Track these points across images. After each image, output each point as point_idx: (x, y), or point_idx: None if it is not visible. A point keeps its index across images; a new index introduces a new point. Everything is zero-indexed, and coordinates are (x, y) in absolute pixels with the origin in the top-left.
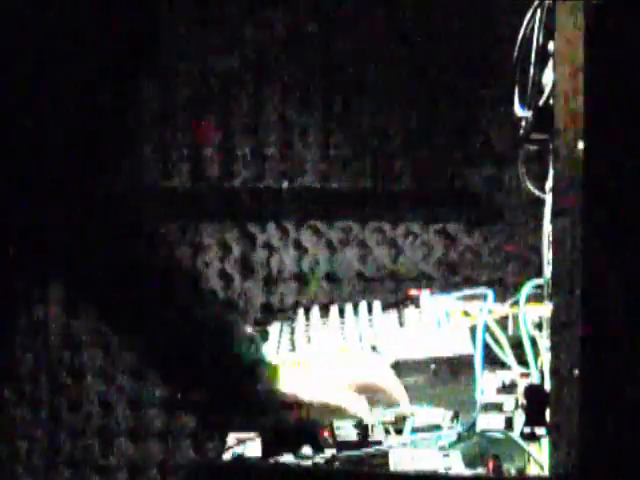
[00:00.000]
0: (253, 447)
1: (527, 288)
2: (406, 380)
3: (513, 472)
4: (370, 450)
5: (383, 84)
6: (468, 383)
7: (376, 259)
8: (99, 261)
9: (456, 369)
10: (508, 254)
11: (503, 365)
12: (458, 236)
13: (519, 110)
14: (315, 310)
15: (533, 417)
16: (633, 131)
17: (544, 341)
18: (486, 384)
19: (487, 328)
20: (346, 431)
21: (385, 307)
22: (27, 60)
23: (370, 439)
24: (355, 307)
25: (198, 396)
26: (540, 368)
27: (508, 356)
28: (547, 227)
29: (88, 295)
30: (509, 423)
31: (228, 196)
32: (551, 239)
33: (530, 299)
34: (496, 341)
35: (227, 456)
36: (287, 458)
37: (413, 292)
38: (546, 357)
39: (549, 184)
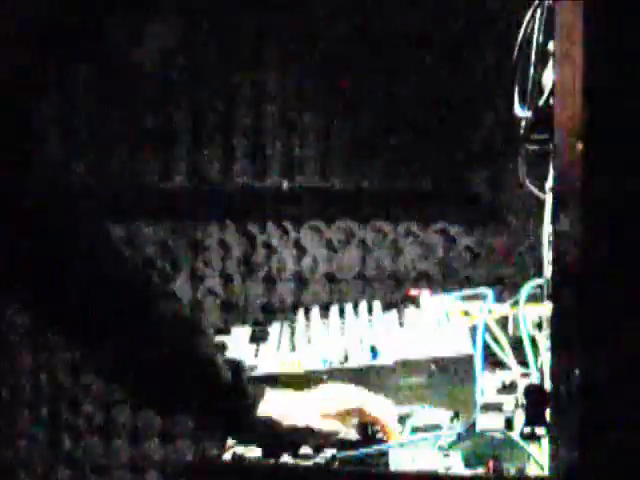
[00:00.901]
0: (253, 447)
1: (527, 288)
2: (406, 380)
3: (513, 472)
4: (370, 450)
5: (383, 84)
6: (468, 383)
7: (376, 259)
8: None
9: (456, 369)
10: (503, 257)
11: (503, 365)
12: (458, 236)
13: (519, 110)
14: (315, 310)
15: (533, 417)
16: (633, 131)
17: (544, 341)
18: (486, 384)
19: (487, 328)
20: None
21: (385, 307)
22: None
23: (370, 439)
24: (355, 307)
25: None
26: (540, 368)
27: (508, 356)
28: (547, 227)
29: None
30: (509, 423)
31: (228, 196)
32: (551, 239)
33: (530, 299)
34: (496, 341)
35: (227, 456)
36: (287, 458)
37: (413, 292)
38: (546, 357)
39: (549, 184)
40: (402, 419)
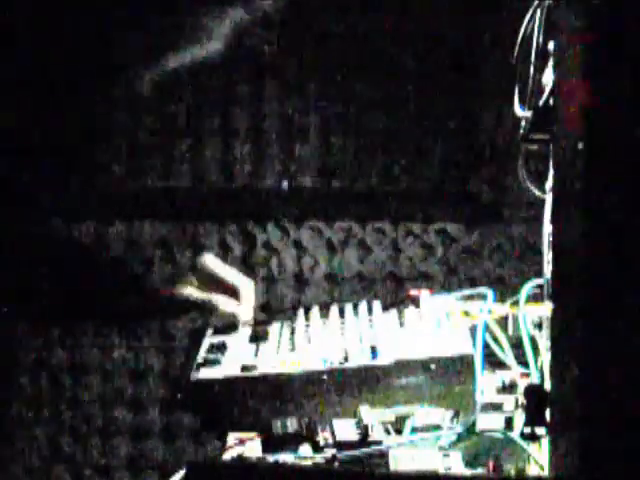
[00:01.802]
0: (253, 447)
1: (527, 288)
2: (406, 380)
3: (513, 472)
4: (370, 450)
5: (383, 84)
6: (468, 383)
7: (376, 259)
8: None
9: (456, 369)
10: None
11: (503, 365)
12: (458, 236)
13: (519, 110)
14: (315, 310)
15: (533, 417)
16: (633, 131)
17: (544, 341)
18: (486, 384)
19: (487, 328)
20: (346, 431)
21: (385, 307)
22: None
23: (370, 439)
24: (355, 307)
25: None
26: (540, 368)
27: (508, 356)
28: (547, 227)
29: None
30: (509, 423)
31: (228, 196)
32: (551, 239)
33: (530, 299)
34: (496, 341)
35: (227, 456)
36: (287, 458)
37: (413, 292)
38: (546, 357)
39: (549, 184)
40: (402, 419)
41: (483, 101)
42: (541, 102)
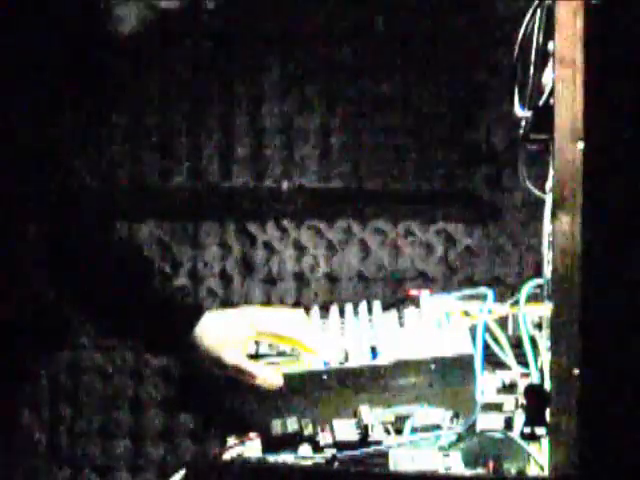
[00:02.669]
0: (253, 447)
1: (527, 288)
2: (406, 380)
3: (513, 472)
4: (370, 450)
5: (383, 84)
6: (468, 383)
7: (376, 259)
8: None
9: (456, 369)
10: None
11: (503, 365)
12: (458, 236)
13: (519, 110)
14: (315, 310)
15: (533, 417)
16: (633, 131)
17: (544, 341)
18: (486, 384)
19: (487, 328)
20: (346, 431)
21: (385, 307)
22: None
23: (370, 439)
24: (355, 307)
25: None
26: (540, 368)
27: (508, 356)
28: (547, 227)
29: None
30: (509, 423)
31: (228, 196)
32: (551, 239)
33: (530, 299)
34: (496, 341)
35: (227, 456)
36: (287, 458)
37: (413, 292)
38: (546, 357)
39: (549, 184)
40: (402, 419)
41: (483, 101)
42: (541, 102)
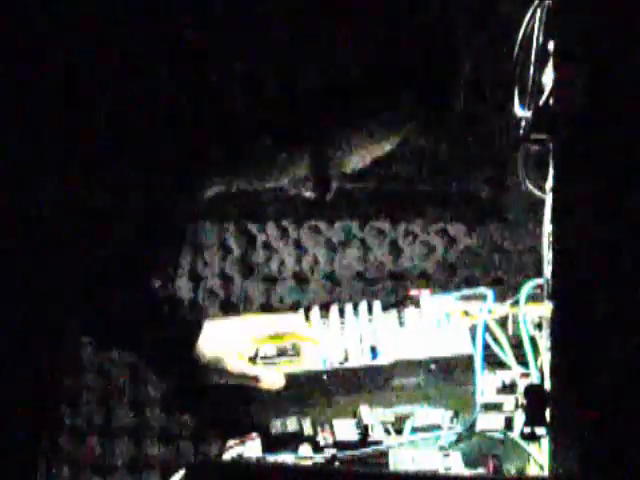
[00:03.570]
0: (253, 447)
1: (527, 288)
2: (406, 380)
3: (513, 472)
4: (370, 450)
5: (383, 84)
6: (468, 383)
7: (376, 259)
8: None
9: (456, 369)
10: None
11: (503, 365)
12: (458, 236)
13: (519, 110)
14: (315, 310)
15: (533, 417)
16: (633, 131)
17: (544, 341)
18: (486, 384)
19: (487, 328)
20: (346, 431)
21: (385, 307)
22: None
23: (370, 439)
24: (355, 307)
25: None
26: (540, 368)
27: (508, 356)
28: (547, 227)
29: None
30: (509, 423)
31: (228, 196)
32: (551, 239)
33: (530, 299)
34: (496, 341)
35: (227, 456)
36: (287, 458)
37: (413, 292)
38: (546, 357)
39: (549, 184)
40: (402, 419)
41: (483, 101)
42: (541, 102)
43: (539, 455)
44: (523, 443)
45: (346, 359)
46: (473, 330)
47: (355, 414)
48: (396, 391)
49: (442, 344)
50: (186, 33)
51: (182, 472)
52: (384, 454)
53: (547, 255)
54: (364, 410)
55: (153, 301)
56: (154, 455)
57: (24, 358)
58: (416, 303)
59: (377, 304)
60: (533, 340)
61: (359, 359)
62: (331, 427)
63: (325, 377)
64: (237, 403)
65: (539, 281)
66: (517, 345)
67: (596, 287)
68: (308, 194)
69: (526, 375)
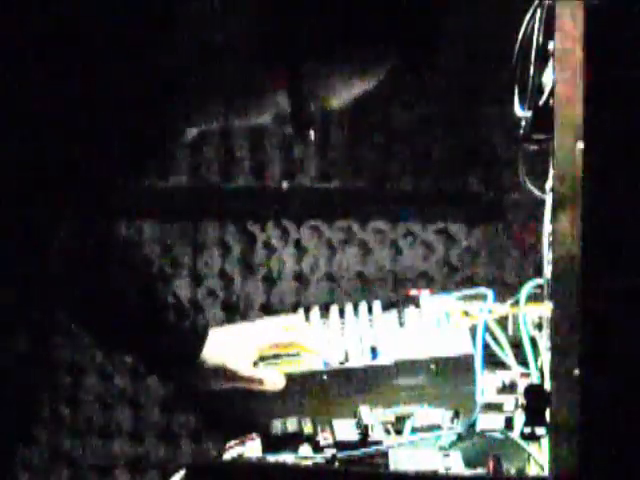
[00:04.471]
0: (253, 447)
1: (527, 288)
2: (406, 380)
3: (513, 472)
4: (370, 450)
5: (383, 84)
6: (468, 383)
7: (376, 259)
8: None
9: (456, 369)
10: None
11: (503, 365)
12: (458, 236)
13: (519, 110)
14: (315, 310)
15: (533, 417)
16: (632, 131)
17: (544, 341)
18: (486, 384)
19: (487, 328)
20: (346, 431)
21: (385, 307)
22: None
23: (370, 439)
24: (355, 307)
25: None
26: (540, 368)
27: (508, 356)
28: (547, 227)
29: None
30: (509, 423)
31: (228, 196)
32: (551, 239)
33: (530, 299)
34: (496, 341)
35: (227, 456)
36: (287, 458)
37: (413, 292)
38: (546, 357)
39: (549, 184)
40: (402, 419)
41: (483, 101)
42: (541, 102)
43: (539, 455)
44: (523, 443)
45: (346, 359)
46: (473, 330)
47: (355, 414)
48: (396, 391)
49: (442, 344)
50: None
51: (182, 472)
52: (384, 454)
53: (547, 255)
54: (364, 410)
55: (154, 304)
56: (154, 455)
57: (24, 357)
58: (416, 303)
59: (377, 304)
60: (533, 340)
61: (359, 359)
62: (331, 427)
63: (325, 377)
64: (237, 403)
65: (539, 281)
66: (517, 345)
67: (596, 287)
68: (288, 131)
69: (526, 375)
